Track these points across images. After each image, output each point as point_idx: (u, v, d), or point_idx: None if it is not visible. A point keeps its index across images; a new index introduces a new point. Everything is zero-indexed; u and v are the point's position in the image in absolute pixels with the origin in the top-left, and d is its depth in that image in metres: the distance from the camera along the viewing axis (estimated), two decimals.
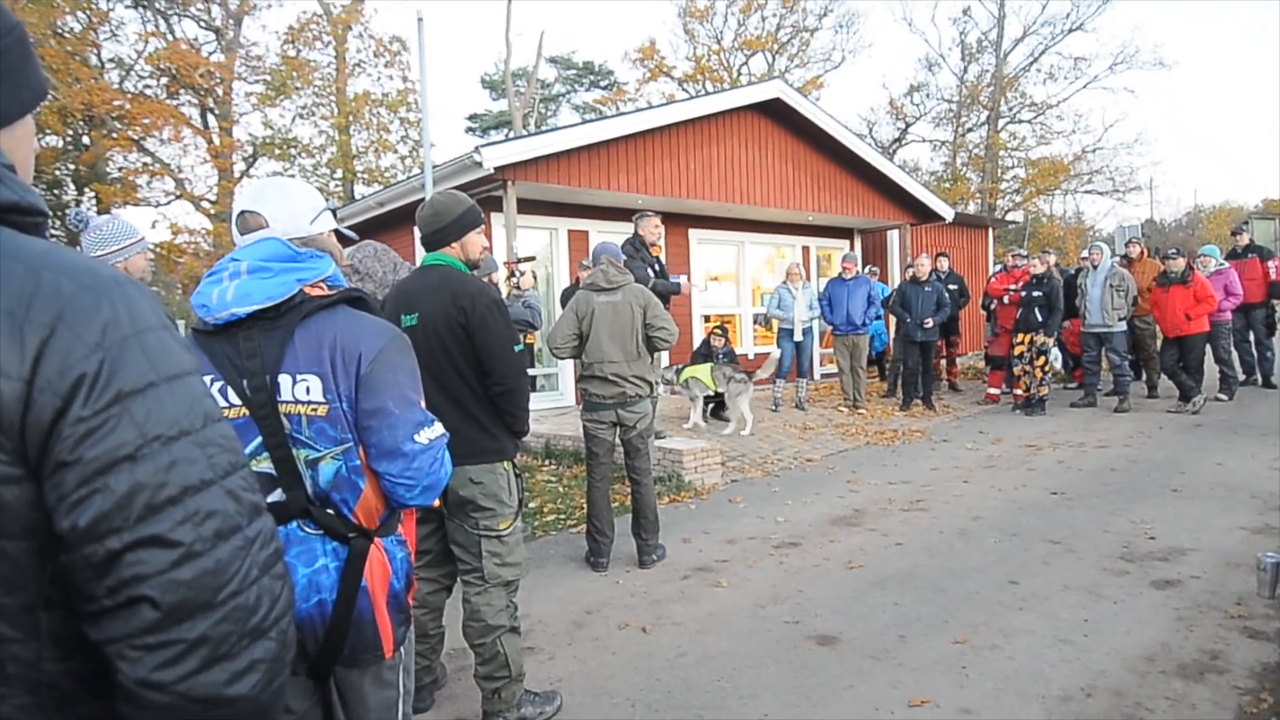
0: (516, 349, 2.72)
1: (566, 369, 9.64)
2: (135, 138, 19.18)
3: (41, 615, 0.77)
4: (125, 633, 0.76)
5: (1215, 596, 3.74)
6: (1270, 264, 9.82)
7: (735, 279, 12.09)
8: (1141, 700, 2.83)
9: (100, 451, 0.75)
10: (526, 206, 9.00)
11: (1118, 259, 9.73)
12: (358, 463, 1.59)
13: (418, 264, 2.92)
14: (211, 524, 0.81)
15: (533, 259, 5.95)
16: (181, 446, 0.80)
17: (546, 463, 7.23)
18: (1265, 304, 9.80)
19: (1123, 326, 9.01)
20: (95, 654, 0.79)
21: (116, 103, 18.26)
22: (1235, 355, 9.69)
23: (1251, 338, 9.98)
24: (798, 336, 9.05)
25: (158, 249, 18.48)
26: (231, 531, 0.82)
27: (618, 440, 4.55)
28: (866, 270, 10.78)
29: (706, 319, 11.09)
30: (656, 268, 6.50)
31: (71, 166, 19.63)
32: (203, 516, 0.80)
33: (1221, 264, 9.50)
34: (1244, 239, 10.19)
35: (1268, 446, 6.83)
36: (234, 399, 1.55)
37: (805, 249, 12.90)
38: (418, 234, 2.77)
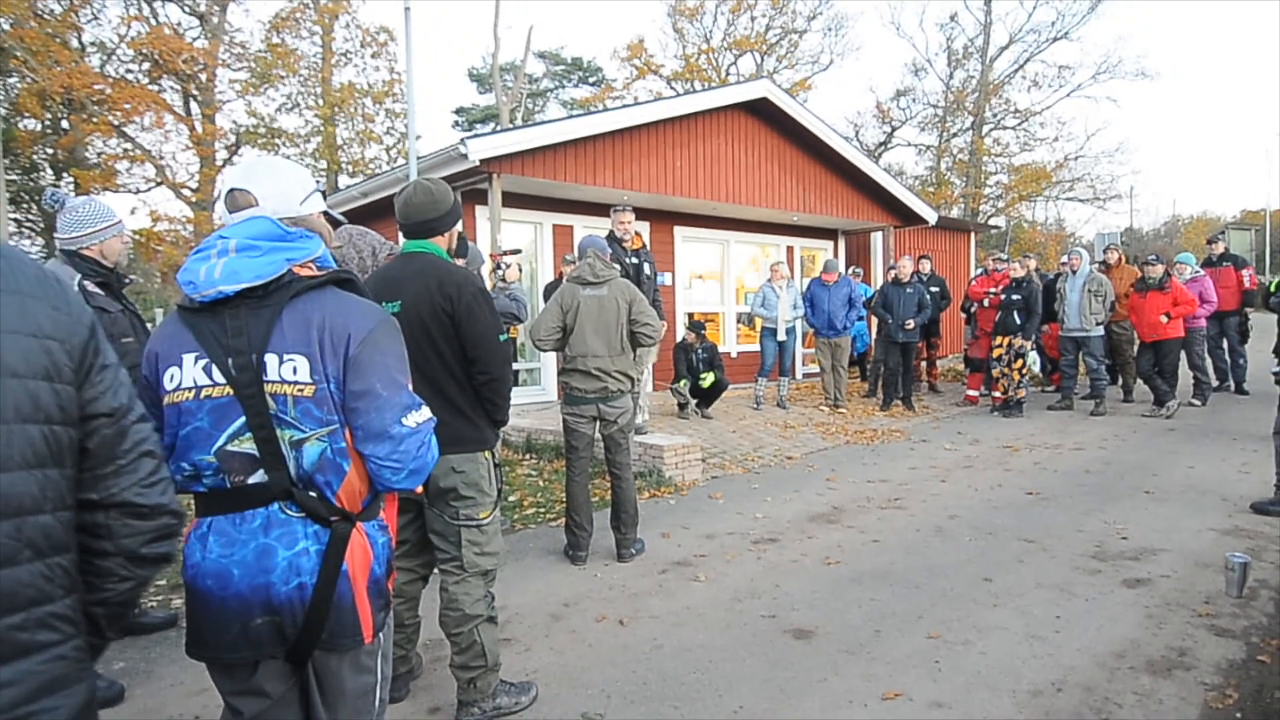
0: (501, 339, 2.72)
1: (549, 364, 9.63)
2: (115, 123, 18.91)
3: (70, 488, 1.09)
4: (138, 479, 1.15)
5: (1184, 595, 3.82)
6: (1244, 273, 9.99)
7: (720, 277, 12.12)
8: (1110, 695, 2.88)
9: (113, 360, 1.15)
10: (511, 200, 8.98)
11: (1096, 265, 9.86)
12: (343, 445, 1.58)
13: (400, 245, 2.90)
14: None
15: (518, 252, 5.96)
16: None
17: (527, 457, 7.22)
18: (1239, 312, 9.96)
19: (1100, 331, 9.13)
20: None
21: (97, 87, 17.99)
22: (1209, 362, 9.87)
23: (1225, 345, 10.15)
24: (781, 336, 9.10)
25: (137, 236, 18.23)
26: None
27: (598, 435, 4.55)
28: (850, 271, 10.85)
29: (690, 316, 11.11)
30: (631, 261, 6.57)
31: (50, 150, 19.34)
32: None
33: (1197, 271, 9.65)
34: (1219, 247, 10.35)
35: (1238, 451, 6.96)
36: (218, 377, 1.54)
37: (790, 249, 12.96)
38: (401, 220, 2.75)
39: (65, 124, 18.95)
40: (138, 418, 1.17)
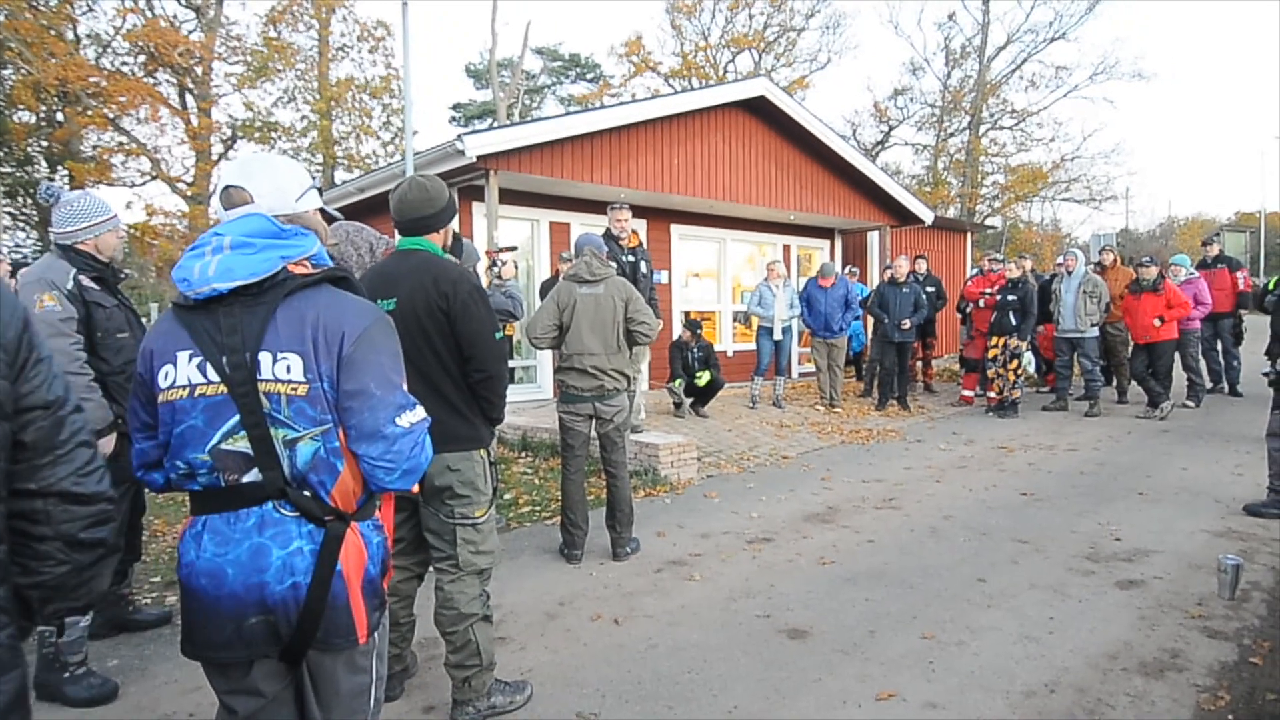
0: (497, 336, 2.71)
1: (545, 362, 9.62)
2: (111, 116, 18.82)
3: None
4: (75, 469, 1.17)
5: (1177, 597, 3.83)
6: (1239, 275, 10.04)
7: (716, 276, 12.13)
8: (1103, 697, 2.89)
9: (47, 353, 1.18)
10: (508, 197, 8.97)
11: (1092, 266, 9.88)
12: (337, 444, 1.57)
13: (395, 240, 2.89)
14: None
15: (514, 249, 5.94)
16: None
17: (523, 455, 7.22)
18: (1233, 314, 10.01)
19: (1095, 332, 9.16)
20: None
21: (92, 79, 17.89)
22: (1203, 363, 9.91)
23: (1219, 346, 10.20)
24: (777, 335, 9.10)
25: (132, 230, 18.13)
26: None
27: (594, 433, 4.55)
28: (846, 271, 10.86)
29: (686, 315, 11.11)
30: (628, 259, 6.56)
31: (44, 143, 19.23)
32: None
33: (1191, 273, 9.69)
34: (1214, 250, 10.40)
35: (1231, 453, 6.99)
36: (213, 375, 1.54)
37: (786, 248, 12.97)
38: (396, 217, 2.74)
39: (60, 117, 18.85)
40: (73, 409, 1.20)
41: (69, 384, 1.22)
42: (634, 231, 6.94)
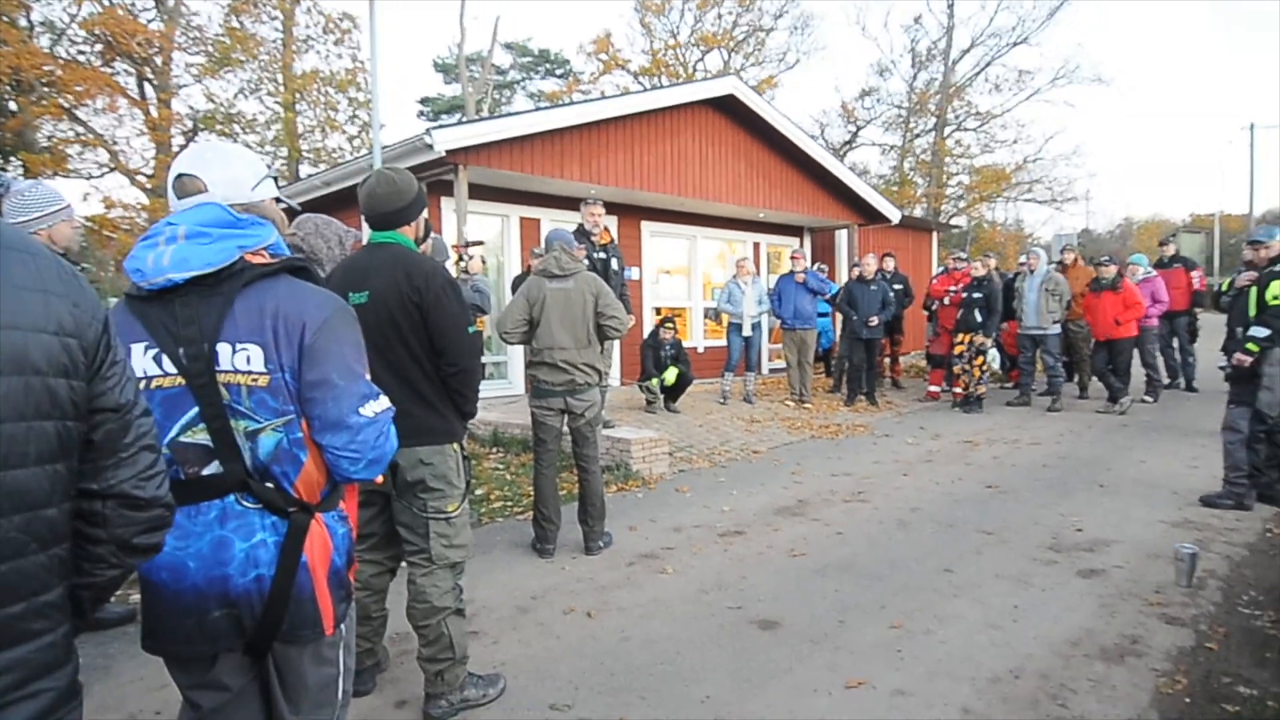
0: (470, 330, 2.69)
1: (516, 357, 9.57)
2: (66, 106, 18.29)
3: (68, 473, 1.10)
4: (137, 472, 1.15)
5: (1136, 585, 3.92)
6: (1194, 274, 10.30)
7: (687, 273, 12.16)
8: (1065, 682, 2.95)
9: (122, 356, 1.17)
10: (478, 192, 8.90)
11: (1054, 265, 10.07)
12: (299, 435, 1.55)
13: (365, 235, 2.86)
14: None
15: (481, 243, 5.90)
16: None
17: (494, 450, 7.17)
18: (1189, 312, 10.27)
19: (1057, 329, 9.34)
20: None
21: (46, 68, 17.36)
22: (1160, 360, 10.15)
23: (1176, 344, 10.46)
24: (746, 331, 9.15)
25: (89, 223, 17.67)
26: None
27: (566, 428, 4.54)
28: (815, 267, 10.95)
29: (658, 311, 11.13)
30: (600, 255, 6.54)
31: None
32: None
33: (1149, 272, 9.92)
34: (1170, 249, 10.66)
35: (1187, 446, 7.17)
36: (169, 367, 1.51)
37: (756, 245, 13.04)
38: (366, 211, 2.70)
39: (13, 106, 18.28)
40: (141, 412, 1.19)
41: (138, 387, 1.21)
42: (606, 228, 6.93)
